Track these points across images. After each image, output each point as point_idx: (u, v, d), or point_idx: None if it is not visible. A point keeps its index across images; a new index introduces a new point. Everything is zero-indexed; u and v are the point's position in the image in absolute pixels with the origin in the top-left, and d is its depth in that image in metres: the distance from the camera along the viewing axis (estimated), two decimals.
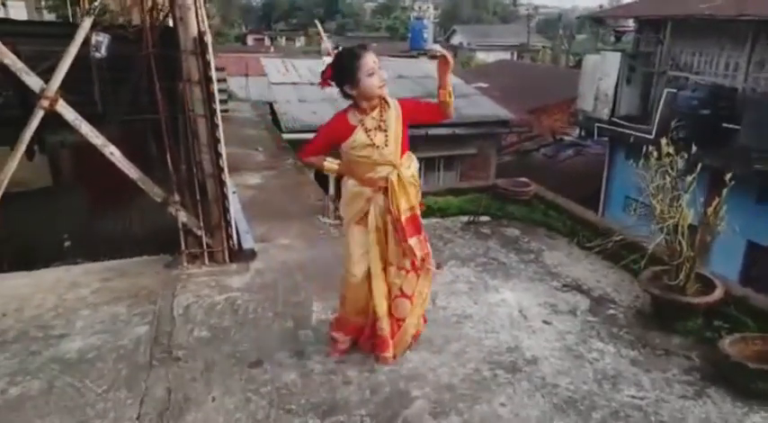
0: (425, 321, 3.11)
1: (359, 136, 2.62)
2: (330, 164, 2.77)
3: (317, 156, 2.78)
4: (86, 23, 3.61)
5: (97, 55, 3.89)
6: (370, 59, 2.56)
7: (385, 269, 2.79)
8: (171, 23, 3.87)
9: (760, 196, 8.23)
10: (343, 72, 2.60)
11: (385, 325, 2.83)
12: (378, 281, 2.78)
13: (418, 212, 2.80)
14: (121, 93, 4.63)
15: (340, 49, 2.93)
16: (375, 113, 2.64)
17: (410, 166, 2.74)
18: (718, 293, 3.15)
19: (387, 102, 2.66)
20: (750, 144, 8.22)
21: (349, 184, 2.76)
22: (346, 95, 2.65)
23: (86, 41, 3.78)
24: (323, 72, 2.68)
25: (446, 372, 2.86)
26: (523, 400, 2.67)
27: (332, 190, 8.00)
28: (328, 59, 2.70)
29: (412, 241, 2.72)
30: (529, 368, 2.91)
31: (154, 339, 3.12)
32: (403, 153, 2.70)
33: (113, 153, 3.83)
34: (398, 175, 2.66)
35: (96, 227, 4.51)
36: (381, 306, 2.80)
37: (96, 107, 5.69)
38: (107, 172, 3.90)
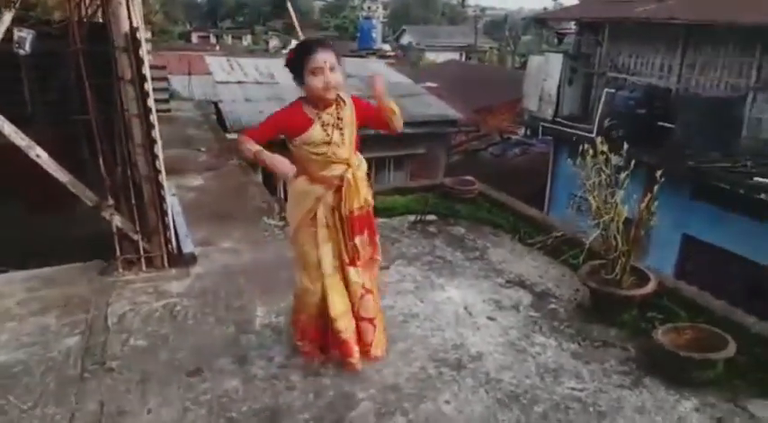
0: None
1: (316, 132, 2.51)
2: (261, 153, 2.46)
3: (258, 142, 2.51)
4: (6, 18, 3.40)
5: (21, 52, 3.69)
6: (320, 58, 2.43)
7: (342, 267, 2.69)
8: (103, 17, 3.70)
9: (694, 192, 8.62)
10: (293, 62, 2.50)
11: (343, 325, 2.70)
12: (332, 279, 2.67)
13: (371, 210, 2.75)
14: (51, 92, 4.42)
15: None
16: (331, 110, 2.56)
17: (360, 165, 2.68)
18: (651, 286, 3.26)
19: (343, 100, 2.59)
20: (684, 142, 8.61)
21: (297, 183, 2.62)
22: (298, 85, 2.55)
23: (10, 38, 3.58)
24: (286, 53, 2.61)
25: (391, 372, 2.84)
26: (468, 397, 2.68)
27: (280, 191, 7.88)
28: (293, 44, 2.62)
29: (357, 240, 2.67)
30: (473, 364, 2.93)
31: (85, 350, 2.97)
32: (354, 152, 2.65)
33: (40, 155, 3.62)
34: (353, 174, 2.60)
35: (23, 233, 4.27)
36: (336, 304, 2.67)
37: (26, 108, 5.41)
38: (36, 175, 3.70)
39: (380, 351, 2.89)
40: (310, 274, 2.70)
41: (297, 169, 2.54)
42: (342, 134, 2.56)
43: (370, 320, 2.79)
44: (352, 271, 2.69)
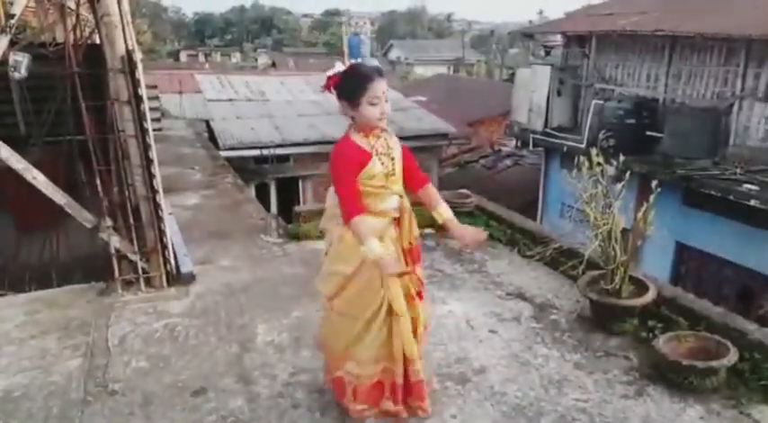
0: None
1: (376, 165, 2.36)
2: (377, 248, 2.22)
3: (362, 209, 2.30)
4: (2, 42, 3.41)
5: (16, 75, 3.69)
6: (378, 88, 2.30)
7: (409, 303, 2.46)
8: (98, 40, 3.72)
9: (685, 199, 8.72)
10: (346, 88, 2.35)
11: (420, 366, 2.46)
12: (405, 320, 2.41)
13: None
14: (46, 114, 4.41)
15: (359, 61, 2.66)
16: (382, 140, 2.41)
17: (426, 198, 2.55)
18: (650, 295, 3.29)
19: (388, 131, 2.46)
20: (672, 151, 8.73)
21: (347, 232, 2.37)
22: (344, 112, 2.40)
23: (4, 61, 3.58)
24: (329, 76, 2.41)
25: None
26: (473, 411, 2.68)
27: (274, 208, 7.89)
28: (340, 66, 2.40)
29: (419, 271, 2.56)
30: (477, 378, 2.93)
31: (87, 373, 2.94)
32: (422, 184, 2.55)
33: (36, 178, 3.61)
34: (402, 205, 2.46)
35: (22, 255, 4.23)
36: (412, 346, 2.42)
37: (18, 129, 5.38)
38: (33, 196, 3.69)
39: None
40: (369, 313, 2.40)
41: None
42: (394, 164, 2.42)
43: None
44: (420, 305, 2.51)
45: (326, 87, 2.41)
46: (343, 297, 2.46)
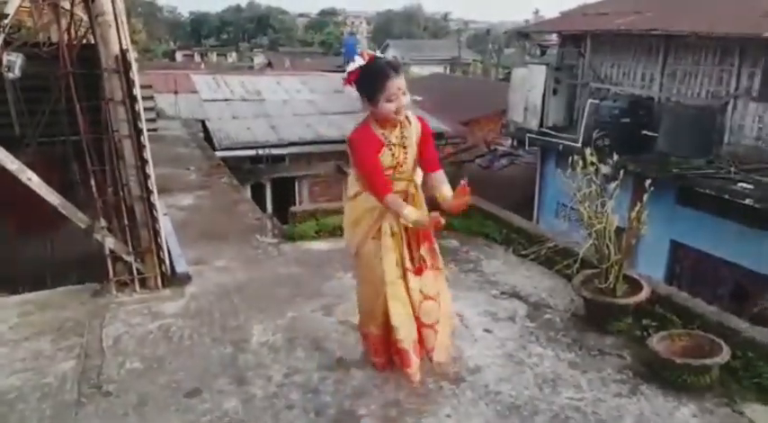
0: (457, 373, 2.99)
1: (386, 155, 2.61)
2: (412, 213, 2.56)
3: (387, 185, 2.60)
4: None
5: (10, 76, 3.67)
6: (395, 85, 2.48)
7: (404, 275, 2.71)
8: (92, 40, 3.71)
9: (680, 198, 8.75)
10: (365, 85, 2.55)
11: (403, 334, 2.70)
12: (394, 287, 2.68)
13: None
14: (40, 114, 4.39)
15: (377, 53, 2.80)
16: (397, 131, 2.63)
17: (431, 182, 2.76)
18: (644, 293, 3.30)
19: (408, 120, 2.66)
20: (667, 150, 8.76)
21: (360, 200, 2.71)
22: (363, 104, 2.61)
23: None
24: (350, 72, 2.60)
25: (391, 387, 2.84)
26: (468, 410, 2.69)
27: (269, 208, 7.88)
28: (360, 60, 2.55)
29: (422, 250, 2.77)
30: (472, 377, 2.94)
31: (81, 374, 2.93)
32: (414, 169, 2.75)
33: (31, 179, 3.60)
34: (416, 187, 2.75)
35: (15, 256, 4.22)
36: (397, 313, 2.68)
37: (13, 129, 5.36)
38: (28, 197, 3.67)
39: (444, 356, 2.87)
40: (376, 287, 2.73)
41: (361, 184, 2.70)
42: (406, 153, 2.66)
43: (431, 326, 2.78)
44: (411, 278, 2.72)
45: (347, 82, 2.59)
46: (357, 264, 2.88)
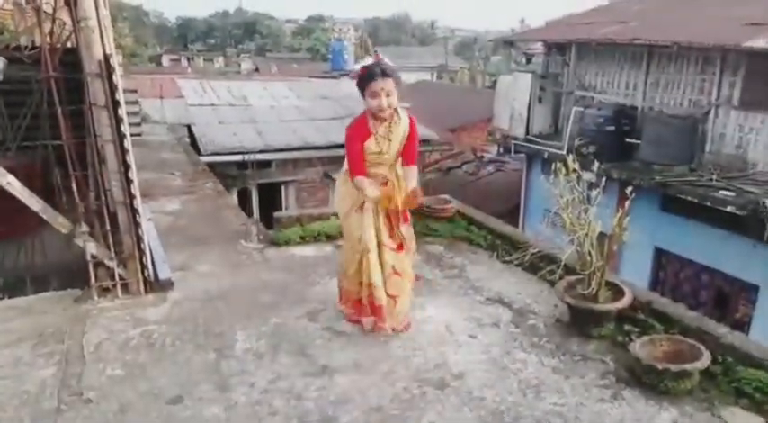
0: (409, 326, 3.44)
1: (371, 143, 3.13)
2: (375, 192, 3.10)
3: (363, 172, 3.13)
4: None
5: None
6: (377, 86, 2.99)
7: (379, 246, 3.22)
8: (75, 44, 3.68)
9: (663, 205, 8.85)
10: (359, 83, 3.09)
11: (380, 295, 3.21)
12: (372, 255, 3.19)
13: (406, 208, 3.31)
14: (21, 118, 4.34)
15: (378, 53, 3.42)
16: (386, 125, 3.14)
17: (409, 172, 3.27)
18: (626, 299, 3.34)
19: (399, 116, 3.16)
20: (650, 158, 8.87)
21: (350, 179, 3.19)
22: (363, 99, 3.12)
23: None
24: (358, 69, 3.28)
25: (375, 393, 2.84)
26: (452, 416, 2.69)
27: (256, 214, 7.83)
28: (368, 60, 2.99)
29: (403, 229, 3.29)
30: (456, 383, 2.94)
31: (61, 381, 2.89)
32: (398, 159, 3.25)
33: (11, 183, 3.55)
34: (397, 175, 3.25)
35: None
36: (376, 275, 3.20)
37: None
38: (8, 202, 3.62)
39: (397, 325, 3.35)
40: (354, 246, 3.29)
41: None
42: (390, 145, 3.16)
43: (393, 297, 3.28)
44: (387, 252, 3.23)
45: (353, 78, 3.16)
46: (344, 232, 3.44)
